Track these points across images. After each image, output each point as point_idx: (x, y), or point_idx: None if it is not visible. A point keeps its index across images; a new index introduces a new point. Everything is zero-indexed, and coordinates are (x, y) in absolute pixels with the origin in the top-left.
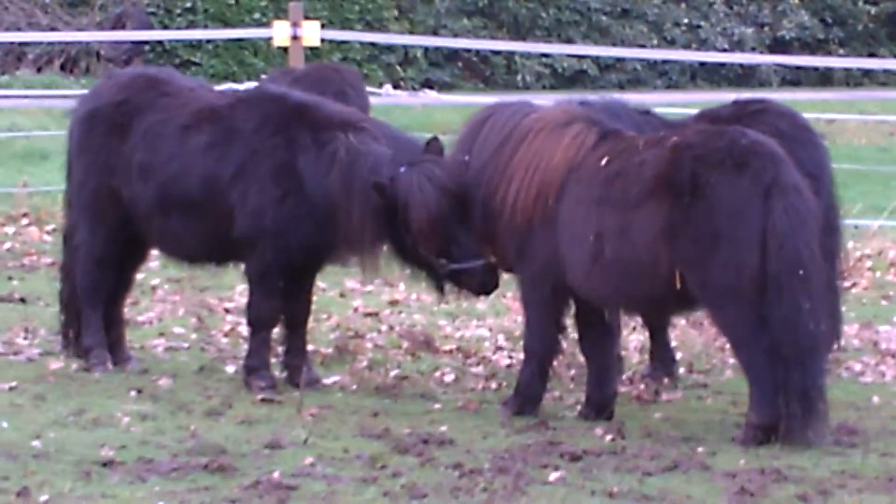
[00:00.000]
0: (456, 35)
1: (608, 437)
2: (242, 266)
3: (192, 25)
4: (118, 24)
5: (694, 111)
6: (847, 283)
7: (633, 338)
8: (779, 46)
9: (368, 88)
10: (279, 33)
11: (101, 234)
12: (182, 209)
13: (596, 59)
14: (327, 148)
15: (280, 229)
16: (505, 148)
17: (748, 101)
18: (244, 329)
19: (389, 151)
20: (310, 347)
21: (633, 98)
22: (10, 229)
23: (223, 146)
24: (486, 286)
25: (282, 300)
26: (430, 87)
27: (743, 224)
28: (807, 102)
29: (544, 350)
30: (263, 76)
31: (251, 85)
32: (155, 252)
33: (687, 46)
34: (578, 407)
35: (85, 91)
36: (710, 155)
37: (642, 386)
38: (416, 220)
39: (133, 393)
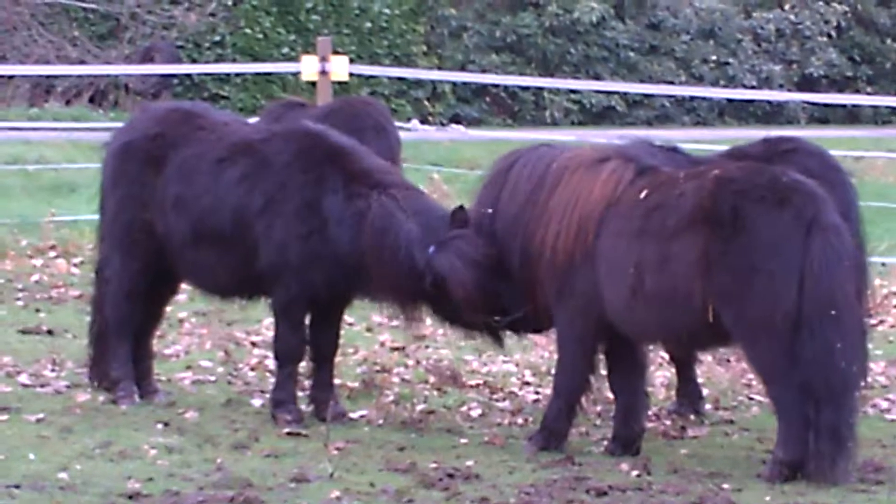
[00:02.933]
0: (484, 70)
1: (634, 473)
2: (269, 300)
3: (220, 59)
4: (147, 58)
5: (721, 148)
6: (874, 321)
7: (660, 374)
8: (807, 84)
9: (396, 123)
10: (307, 68)
11: (132, 267)
12: (214, 242)
13: (624, 96)
14: (357, 203)
15: (304, 265)
16: (540, 192)
17: (778, 139)
18: (271, 362)
19: (417, 228)
20: (336, 381)
21: (661, 134)
22: (37, 261)
23: (254, 178)
24: (541, 323)
25: (308, 334)
26: (458, 123)
27: (781, 259)
28: (834, 140)
29: (574, 388)
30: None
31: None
32: (183, 285)
33: (715, 83)
34: (605, 442)
35: (114, 124)
36: (753, 189)
37: (668, 422)
38: (457, 296)
39: (160, 426)
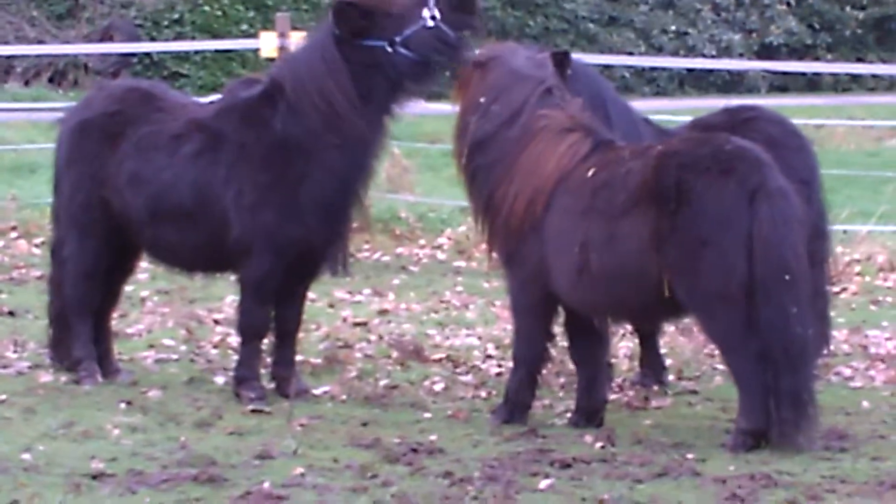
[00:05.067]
0: None
1: (598, 445)
2: (234, 276)
3: (179, 37)
4: (106, 37)
5: (682, 118)
6: (836, 289)
7: (623, 345)
8: (766, 52)
9: None
10: (266, 44)
11: (90, 246)
12: (174, 218)
13: None
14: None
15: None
16: (518, 140)
17: (739, 108)
18: (234, 340)
19: None
20: (299, 358)
21: None
22: None
23: (213, 151)
24: None
25: (273, 309)
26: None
27: (729, 229)
28: (795, 108)
29: (533, 357)
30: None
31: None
32: (144, 264)
33: (675, 53)
34: (568, 415)
35: (73, 104)
36: (696, 162)
37: (632, 393)
38: None
39: (123, 405)
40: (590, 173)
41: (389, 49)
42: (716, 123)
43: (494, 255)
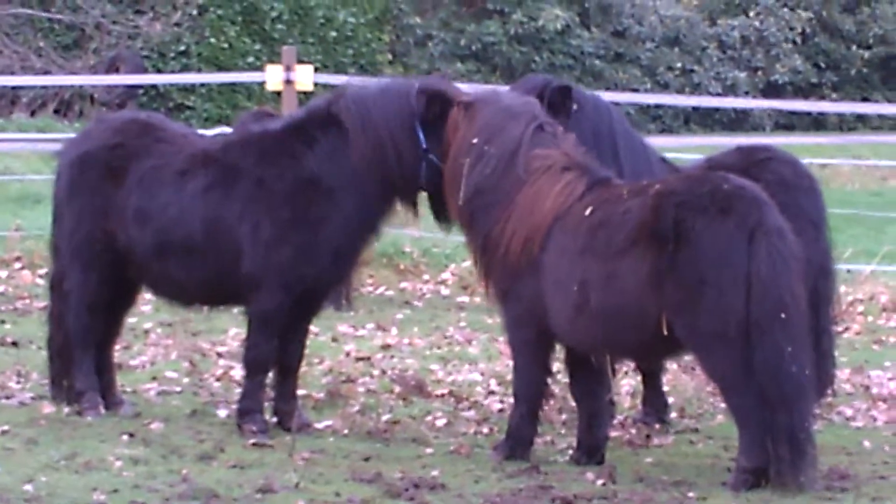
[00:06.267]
0: (450, 79)
1: (599, 482)
2: (242, 310)
3: (185, 69)
4: (112, 68)
5: (687, 156)
6: (839, 328)
7: (625, 382)
8: (772, 91)
9: None
10: (272, 77)
11: (93, 279)
12: (182, 253)
13: None
14: None
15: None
16: (515, 180)
17: (753, 148)
18: (237, 373)
19: None
20: (301, 391)
21: None
22: (2, 273)
23: (223, 185)
24: None
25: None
26: None
27: (728, 269)
28: (800, 147)
29: (532, 393)
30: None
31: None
32: (147, 296)
33: (680, 91)
34: (570, 451)
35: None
36: (694, 201)
37: (634, 430)
38: None
39: (125, 437)
40: (587, 212)
41: (425, 148)
42: (729, 163)
43: (491, 291)
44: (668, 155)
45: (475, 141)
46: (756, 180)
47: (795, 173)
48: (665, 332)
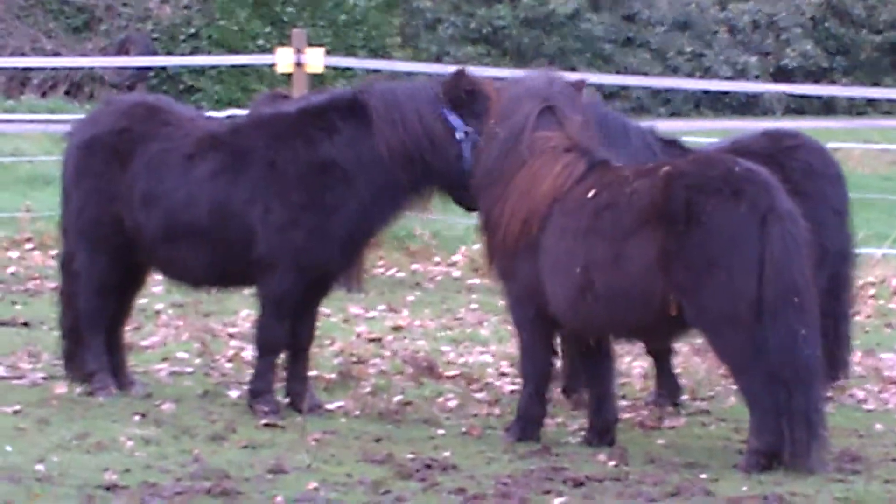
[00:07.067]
0: (459, 62)
1: (611, 463)
2: (253, 291)
3: (195, 51)
4: (122, 50)
5: (698, 139)
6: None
7: (637, 364)
8: (782, 75)
9: None
10: (283, 60)
11: (101, 261)
12: (190, 236)
13: (599, 87)
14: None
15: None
16: (516, 161)
17: (781, 134)
18: (248, 354)
19: None
20: (313, 373)
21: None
22: (13, 254)
23: (233, 168)
24: None
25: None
26: None
27: (739, 251)
28: (810, 131)
29: (538, 371)
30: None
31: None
32: (158, 277)
33: (690, 74)
34: (582, 433)
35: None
36: (706, 183)
37: (645, 412)
38: None
39: (136, 417)
40: (590, 194)
41: (460, 135)
42: (756, 149)
43: (493, 271)
44: (685, 139)
45: (491, 123)
46: (782, 166)
47: (823, 161)
48: (672, 314)
